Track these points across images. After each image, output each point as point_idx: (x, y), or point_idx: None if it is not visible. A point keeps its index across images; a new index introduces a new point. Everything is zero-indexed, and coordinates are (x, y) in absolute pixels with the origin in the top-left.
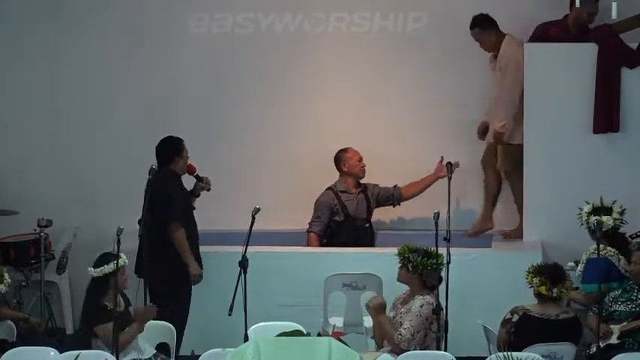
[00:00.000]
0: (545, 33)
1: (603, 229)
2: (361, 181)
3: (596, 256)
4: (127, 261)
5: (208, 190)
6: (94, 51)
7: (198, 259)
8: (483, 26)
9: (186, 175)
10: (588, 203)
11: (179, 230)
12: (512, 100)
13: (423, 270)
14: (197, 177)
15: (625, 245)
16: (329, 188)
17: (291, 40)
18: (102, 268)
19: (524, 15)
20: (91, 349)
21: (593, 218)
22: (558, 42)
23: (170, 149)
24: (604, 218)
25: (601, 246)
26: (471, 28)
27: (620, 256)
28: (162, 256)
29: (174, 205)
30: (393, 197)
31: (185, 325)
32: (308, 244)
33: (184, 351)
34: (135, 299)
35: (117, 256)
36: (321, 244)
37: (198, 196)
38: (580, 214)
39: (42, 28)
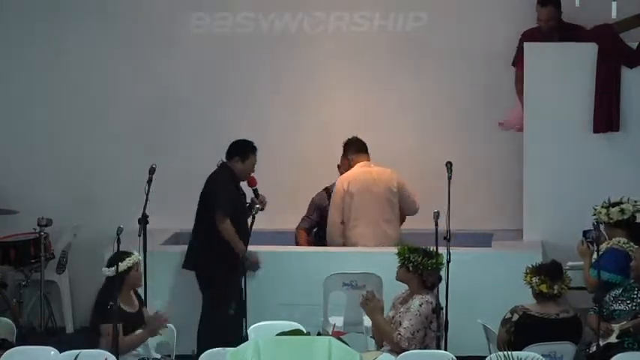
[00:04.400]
0: (531, 38)
1: (625, 217)
2: None
3: (619, 246)
4: (140, 258)
5: (262, 209)
6: (93, 51)
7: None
8: (344, 151)
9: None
10: (604, 202)
11: (225, 221)
12: (329, 227)
13: (423, 270)
14: (255, 191)
15: None
16: (325, 189)
17: (291, 40)
18: (117, 266)
19: (523, 15)
20: (97, 347)
21: (613, 209)
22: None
23: (236, 148)
24: (624, 206)
25: (624, 240)
26: None
27: None
28: (210, 246)
29: (220, 197)
30: None
31: (241, 311)
32: (296, 240)
33: (201, 346)
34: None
35: (129, 254)
36: (308, 242)
37: (253, 214)
38: (595, 213)
39: (41, 29)
